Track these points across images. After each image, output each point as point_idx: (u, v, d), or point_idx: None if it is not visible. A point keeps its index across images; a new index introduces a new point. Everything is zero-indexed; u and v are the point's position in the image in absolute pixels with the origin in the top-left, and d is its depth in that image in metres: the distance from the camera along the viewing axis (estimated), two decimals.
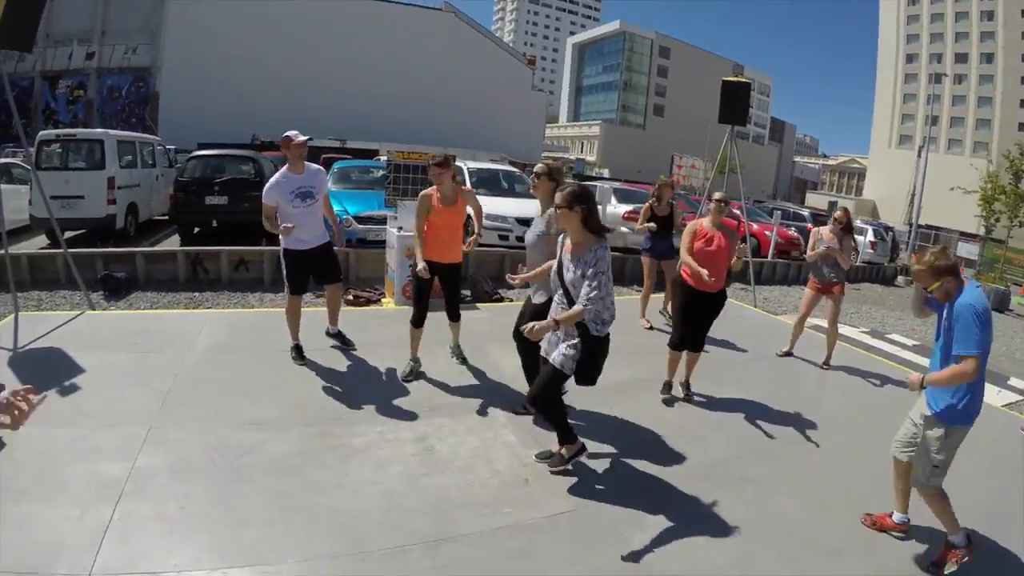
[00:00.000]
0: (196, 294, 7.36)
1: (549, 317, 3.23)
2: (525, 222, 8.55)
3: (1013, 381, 7.35)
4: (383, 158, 13.16)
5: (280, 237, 4.71)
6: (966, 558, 2.95)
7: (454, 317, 4.98)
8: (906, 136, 66.87)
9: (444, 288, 4.81)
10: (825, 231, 6.00)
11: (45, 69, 37.65)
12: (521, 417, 4.21)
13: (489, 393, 4.63)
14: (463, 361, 5.16)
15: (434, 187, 4.56)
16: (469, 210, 4.80)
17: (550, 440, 3.70)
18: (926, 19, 65.07)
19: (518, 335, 3.93)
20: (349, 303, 6.94)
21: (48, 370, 4.45)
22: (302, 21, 39.38)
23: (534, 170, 4.10)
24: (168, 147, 15.53)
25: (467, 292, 7.61)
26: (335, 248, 5.12)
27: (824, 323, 6.26)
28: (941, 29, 63.66)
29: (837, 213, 6.02)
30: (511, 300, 7.70)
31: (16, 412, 1.59)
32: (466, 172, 12.04)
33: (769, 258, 13.83)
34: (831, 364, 6.10)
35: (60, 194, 9.45)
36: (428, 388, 4.66)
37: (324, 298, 5.48)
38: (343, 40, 40.42)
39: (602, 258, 3.12)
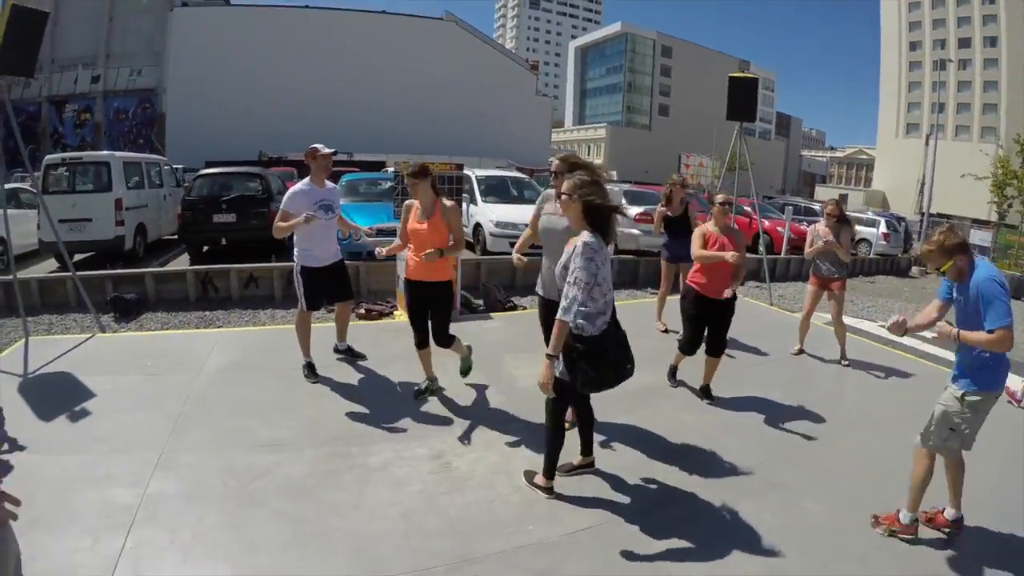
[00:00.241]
0: (207, 313, 7.32)
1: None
2: None
3: None
4: (390, 169, 13.16)
5: (295, 255, 4.70)
6: (949, 531, 3.12)
7: (442, 343, 4.44)
8: (913, 125, 66.29)
9: (429, 310, 4.38)
10: (821, 227, 5.93)
11: (52, 94, 38.33)
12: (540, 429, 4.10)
13: (505, 405, 4.54)
14: (466, 373, 4.78)
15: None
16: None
17: (570, 452, 3.61)
18: (928, 5, 64.52)
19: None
20: (361, 316, 6.88)
21: (58, 395, 4.42)
22: (304, 36, 39.73)
23: (551, 169, 3.85)
24: (175, 166, 15.64)
25: (480, 302, 7.55)
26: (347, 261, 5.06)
27: (830, 317, 6.18)
28: (943, 15, 63.08)
29: (829, 207, 5.95)
30: (524, 308, 7.61)
31: None
32: (474, 180, 11.96)
33: (783, 254, 13.66)
34: (849, 359, 6.01)
35: (68, 217, 9.53)
36: (443, 402, 4.57)
37: (333, 313, 5.43)
38: (346, 54, 40.73)
39: (589, 258, 2.91)
